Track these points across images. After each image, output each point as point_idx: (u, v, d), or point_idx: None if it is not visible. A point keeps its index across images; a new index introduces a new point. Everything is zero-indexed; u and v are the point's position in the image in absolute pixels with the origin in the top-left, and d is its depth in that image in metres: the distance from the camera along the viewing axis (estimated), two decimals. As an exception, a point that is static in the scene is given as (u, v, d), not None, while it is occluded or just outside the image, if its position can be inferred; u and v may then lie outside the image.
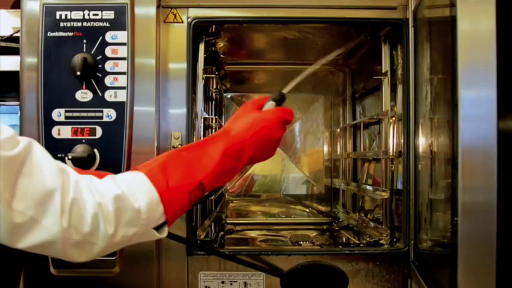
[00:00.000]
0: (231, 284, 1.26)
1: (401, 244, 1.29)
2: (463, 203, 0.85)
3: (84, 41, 1.18)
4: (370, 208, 1.75)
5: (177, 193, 0.84)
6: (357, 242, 1.61)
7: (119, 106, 1.18)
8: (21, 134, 1.21)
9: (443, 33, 1.01)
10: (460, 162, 0.85)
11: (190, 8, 1.27)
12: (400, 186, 1.35)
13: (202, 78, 1.39)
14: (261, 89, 2.10)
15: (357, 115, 1.97)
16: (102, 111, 1.18)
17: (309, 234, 1.82)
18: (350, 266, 1.26)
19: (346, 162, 2.01)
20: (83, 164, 1.15)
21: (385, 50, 1.44)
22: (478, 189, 0.85)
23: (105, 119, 1.18)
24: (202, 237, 1.36)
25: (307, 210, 2.13)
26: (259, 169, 2.11)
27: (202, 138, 1.40)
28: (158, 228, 0.84)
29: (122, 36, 1.18)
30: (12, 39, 1.69)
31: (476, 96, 0.86)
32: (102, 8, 1.19)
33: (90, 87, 1.18)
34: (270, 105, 1.03)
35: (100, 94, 1.18)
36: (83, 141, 1.17)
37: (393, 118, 1.39)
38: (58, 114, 1.18)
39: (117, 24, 1.18)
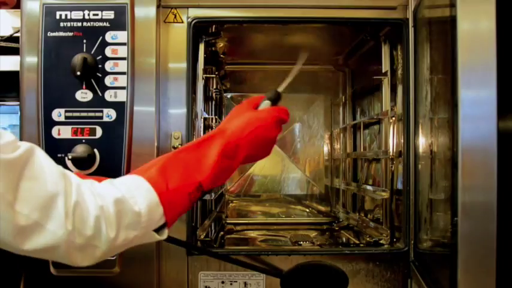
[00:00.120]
0: (231, 284, 1.26)
1: (401, 244, 1.29)
2: (463, 203, 0.85)
3: (84, 41, 1.18)
4: (370, 208, 1.75)
5: (177, 195, 0.84)
6: (357, 242, 1.61)
7: (119, 106, 1.18)
8: (21, 134, 1.21)
9: (443, 33, 1.01)
10: (460, 162, 0.85)
11: (190, 8, 1.27)
12: (400, 186, 1.35)
13: (202, 78, 1.39)
14: (261, 89, 2.09)
15: (357, 115, 1.97)
16: (102, 111, 1.18)
17: (309, 234, 1.82)
18: (350, 266, 1.26)
19: (346, 162, 2.01)
20: (82, 164, 1.15)
21: (385, 50, 1.44)
22: (478, 189, 0.85)
23: (105, 119, 1.18)
24: (202, 237, 1.36)
25: (307, 210, 2.13)
26: (259, 169, 2.11)
27: (202, 138, 1.40)
28: (158, 230, 0.84)
29: (121, 36, 1.19)
30: (12, 39, 1.69)
31: (476, 96, 0.86)
32: (102, 8, 1.19)
33: (90, 87, 1.18)
34: (265, 104, 1.03)
35: (100, 94, 1.18)
36: (83, 141, 1.17)
37: (393, 118, 1.39)
38: (58, 114, 1.18)
39: (117, 24, 1.18)
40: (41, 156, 0.73)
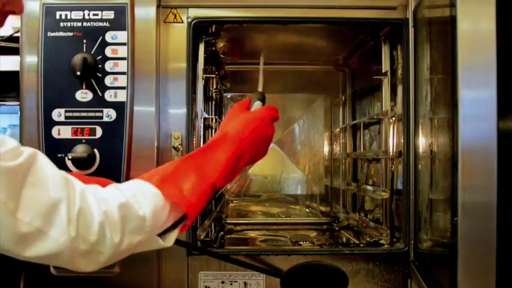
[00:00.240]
0: (231, 284, 1.26)
1: (401, 244, 1.29)
2: (463, 203, 0.85)
3: (84, 41, 1.18)
4: (370, 208, 1.75)
5: (196, 197, 0.85)
6: (357, 242, 1.61)
7: (119, 106, 1.18)
8: (21, 134, 1.21)
9: (443, 33, 1.01)
10: (460, 161, 0.85)
11: (190, 8, 1.27)
12: (400, 186, 1.35)
13: (202, 78, 1.39)
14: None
15: (356, 115, 1.97)
16: (102, 111, 1.18)
17: (309, 234, 1.82)
18: (350, 266, 1.26)
19: (346, 162, 2.01)
20: (83, 164, 1.15)
21: (385, 50, 1.44)
22: (478, 188, 0.85)
23: (105, 119, 1.18)
24: (202, 237, 1.36)
25: (307, 210, 2.13)
26: (259, 169, 2.11)
27: (202, 138, 1.40)
28: (162, 234, 0.85)
29: (121, 36, 1.19)
30: (12, 39, 1.69)
31: (476, 96, 0.86)
32: (102, 8, 1.19)
33: (90, 87, 1.18)
34: (257, 105, 1.08)
35: (100, 94, 1.18)
36: (83, 141, 1.17)
37: (393, 118, 1.39)
38: (58, 114, 1.18)
39: (117, 24, 1.19)
40: (43, 162, 0.72)
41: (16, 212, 0.67)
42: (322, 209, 2.13)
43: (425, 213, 1.18)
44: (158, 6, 1.24)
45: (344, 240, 1.73)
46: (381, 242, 1.39)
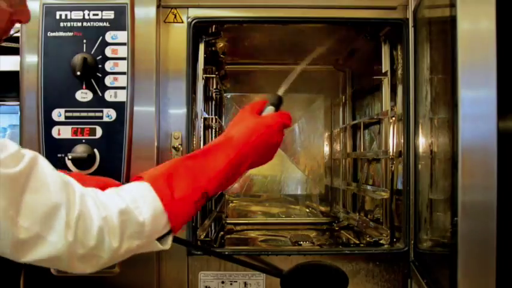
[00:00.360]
0: (231, 284, 1.26)
1: (401, 244, 1.29)
2: (463, 203, 0.85)
3: (84, 41, 1.18)
4: (370, 208, 1.75)
5: (183, 204, 0.84)
6: (357, 242, 1.61)
7: (119, 106, 1.18)
8: (21, 134, 1.21)
9: (443, 33, 1.01)
10: (460, 161, 0.85)
11: (190, 8, 1.27)
12: (400, 186, 1.35)
13: (202, 78, 1.39)
14: (261, 89, 2.10)
15: (356, 115, 1.97)
16: (102, 111, 1.18)
17: (309, 234, 1.82)
18: (350, 266, 1.26)
19: (346, 162, 2.01)
20: (83, 164, 1.15)
21: (385, 50, 1.44)
22: (478, 188, 0.85)
23: (105, 119, 1.18)
24: (202, 237, 1.36)
25: (307, 210, 2.13)
26: (259, 169, 2.10)
27: (202, 138, 1.40)
28: (161, 238, 0.84)
29: (121, 36, 1.19)
30: (12, 39, 1.69)
31: (476, 96, 0.86)
32: (102, 8, 1.19)
33: (90, 87, 1.18)
34: (269, 110, 1.02)
35: (100, 94, 1.18)
36: (83, 141, 1.17)
37: (393, 118, 1.39)
38: (58, 114, 1.18)
39: (117, 24, 1.19)
40: (44, 166, 0.72)
41: (16, 218, 0.67)
42: (322, 209, 2.13)
43: (425, 213, 1.18)
44: (158, 6, 1.24)
45: (344, 240, 1.73)
46: (381, 242, 1.40)
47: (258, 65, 2.05)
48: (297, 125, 2.13)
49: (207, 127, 1.56)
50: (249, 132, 0.95)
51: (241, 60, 1.99)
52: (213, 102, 1.90)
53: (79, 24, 1.18)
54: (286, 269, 1.21)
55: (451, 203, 0.89)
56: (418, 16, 1.24)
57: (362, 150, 1.85)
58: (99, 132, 1.17)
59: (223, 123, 2.03)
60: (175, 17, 1.26)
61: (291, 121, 1.03)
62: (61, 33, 1.18)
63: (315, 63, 2.05)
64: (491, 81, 0.84)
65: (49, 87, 1.18)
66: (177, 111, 1.25)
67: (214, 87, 1.84)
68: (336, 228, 1.90)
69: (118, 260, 0.80)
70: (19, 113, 1.22)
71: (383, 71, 1.45)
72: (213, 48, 1.62)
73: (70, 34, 1.18)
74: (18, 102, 1.23)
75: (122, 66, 1.18)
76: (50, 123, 1.17)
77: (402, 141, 1.30)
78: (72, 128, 1.17)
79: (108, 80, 1.18)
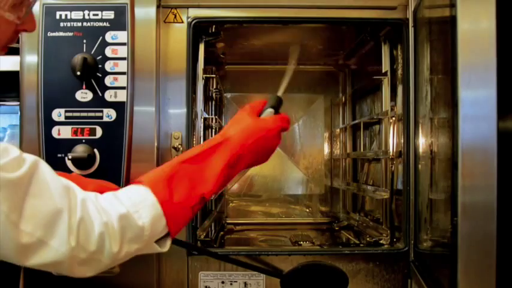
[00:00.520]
0: (231, 284, 1.26)
1: (401, 244, 1.29)
2: (463, 203, 0.85)
3: (84, 41, 1.18)
4: (370, 208, 1.75)
5: (181, 208, 0.85)
6: (357, 242, 1.61)
7: (119, 106, 1.18)
8: (21, 134, 1.21)
9: (443, 33, 1.01)
10: (460, 162, 0.85)
11: (190, 8, 1.27)
12: (400, 186, 1.35)
13: (202, 78, 1.39)
14: (261, 89, 2.10)
15: (356, 115, 1.97)
16: (102, 111, 1.18)
17: (309, 234, 1.82)
18: (350, 266, 1.26)
19: (346, 162, 2.01)
20: (82, 164, 1.15)
21: (385, 50, 1.44)
22: (478, 189, 0.85)
23: (105, 119, 1.18)
24: (202, 237, 1.36)
25: (307, 210, 2.13)
26: (259, 169, 2.11)
27: (202, 138, 1.40)
28: (159, 240, 0.85)
29: (122, 36, 1.18)
30: (12, 39, 1.68)
31: (476, 96, 0.86)
32: (102, 8, 1.19)
33: (90, 87, 1.18)
34: (268, 112, 1.02)
35: (100, 94, 1.18)
36: (83, 141, 1.17)
37: (393, 118, 1.39)
38: (58, 114, 1.18)
39: (117, 24, 1.18)
40: (45, 171, 0.73)
41: (19, 223, 0.67)
42: (322, 209, 2.13)
43: (425, 213, 1.18)
44: (158, 6, 1.24)
45: (344, 240, 1.73)
46: (381, 242, 1.39)
47: (258, 65, 2.05)
48: (297, 125, 2.13)
49: (207, 127, 1.56)
50: (248, 134, 0.95)
51: (241, 60, 1.99)
52: (213, 102, 1.90)
53: (79, 24, 1.18)
54: (286, 269, 1.21)
55: (451, 203, 0.89)
56: (418, 16, 1.24)
57: (362, 150, 1.85)
58: (99, 132, 1.17)
59: (223, 123, 2.03)
60: (175, 17, 1.26)
61: (289, 124, 1.03)
62: (61, 33, 1.18)
63: (315, 63, 2.05)
64: (491, 81, 0.84)
65: (49, 87, 1.18)
66: (177, 111, 1.25)
67: (214, 87, 1.84)
68: (336, 228, 1.90)
69: (117, 263, 0.80)
70: (19, 113, 1.22)
71: (383, 71, 1.45)
72: (213, 48, 1.62)
73: (70, 34, 1.18)
74: (18, 102, 1.23)
75: (122, 66, 1.18)
76: (50, 123, 1.17)
77: (402, 141, 1.30)
78: (72, 128, 1.17)
79: (108, 80, 1.18)
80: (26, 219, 0.68)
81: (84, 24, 1.18)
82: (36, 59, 1.18)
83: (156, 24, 1.22)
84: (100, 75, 1.18)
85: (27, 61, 1.21)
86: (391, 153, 1.39)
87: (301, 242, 1.61)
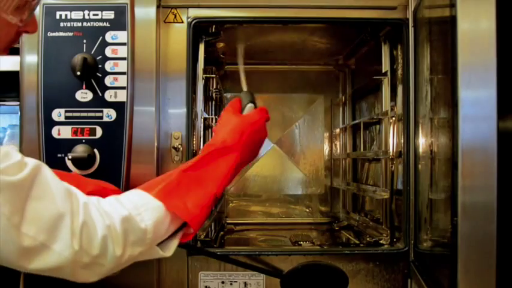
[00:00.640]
0: (231, 284, 1.26)
1: (401, 244, 1.29)
2: (463, 203, 0.85)
3: (84, 41, 1.18)
4: (370, 208, 1.75)
5: (200, 211, 0.87)
6: (357, 242, 1.61)
7: (119, 106, 1.18)
8: (21, 134, 1.21)
9: (443, 33, 1.01)
10: (460, 162, 0.85)
11: (190, 8, 1.27)
12: (400, 186, 1.35)
13: (202, 78, 1.39)
14: (261, 89, 2.10)
15: (356, 115, 1.97)
16: (102, 111, 1.18)
17: (309, 234, 1.82)
18: (350, 266, 1.26)
19: (346, 162, 2.01)
20: (83, 164, 1.15)
21: (385, 50, 1.44)
22: (478, 189, 0.85)
23: (105, 119, 1.18)
24: (202, 237, 1.36)
25: (307, 210, 2.13)
26: (259, 169, 2.11)
27: (202, 138, 1.40)
28: (161, 243, 0.86)
29: (122, 36, 1.19)
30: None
31: (476, 96, 0.86)
32: (102, 8, 1.19)
33: (90, 87, 1.18)
34: (249, 107, 1.07)
35: (100, 94, 1.18)
36: (83, 141, 1.17)
37: (393, 118, 1.39)
38: (58, 114, 1.18)
39: (117, 24, 1.19)
40: (47, 175, 0.73)
41: (20, 226, 0.67)
42: (322, 209, 2.12)
43: (425, 213, 1.18)
44: (158, 6, 1.24)
45: (344, 240, 1.73)
46: (381, 242, 1.40)
47: (258, 65, 2.05)
48: (297, 125, 2.13)
49: (207, 127, 1.56)
50: (240, 131, 0.98)
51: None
52: (213, 102, 1.90)
53: (79, 24, 1.18)
54: (286, 269, 1.21)
55: (451, 203, 0.89)
56: (418, 16, 1.24)
57: (362, 150, 1.85)
58: (99, 132, 1.17)
59: (223, 123, 2.03)
60: (175, 17, 1.26)
61: (268, 114, 1.08)
62: (61, 33, 1.18)
63: (315, 63, 2.05)
64: (491, 81, 0.84)
65: (49, 87, 1.18)
66: (177, 111, 1.25)
67: (214, 87, 1.84)
68: (336, 228, 1.90)
69: (121, 267, 0.80)
70: (19, 113, 1.22)
71: (383, 71, 1.45)
72: (213, 48, 1.62)
73: (70, 34, 1.18)
74: (18, 102, 1.23)
75: (122, 66, 1.18)
76: (50, 123, 1.17)
77: (402, 141, 1.30)
78: (72, 128, 1.17)
79: (108, 80, 1.18)
80: (28, 222, 0.68)
81: (84, 24, 1.18)
82: (36, 59, 1.18)
83: (156, 24, 1.22)
84: (100, 75, 1.18)
85: (27, 61, 1.21)
86: (391, 153, 1.39)
87: (301, 242, 1.60)
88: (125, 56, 1.18)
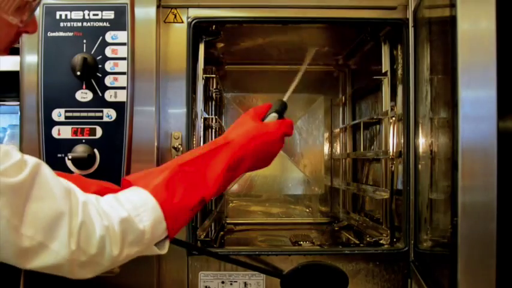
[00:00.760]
0: (231, 284, 1.26)
1: (401, 244, 1.29)
2: (463, 203, 0.85)
3: (84, 41, 1.18)
4: (370, 208, 1.75)
5: (180, 210, 0.85)
6: (357, 242, 1.61)
7: (118, 106, 1.18)
8: (21, 134, 1.21)
9: (443, 33, 1.01)
10: (460, 162, 0.85)
11: (190, 8, 1.27)
12: (400, 186, 1.35)
13: (202, 78, 1.39)
14: (261, 89, 2.10)
15: (356, 115, 1.97)
16: (102, 111, 1.18)
17: (309, 234, 1.82)
18: (350, 266, 1.26)
19: (346, 162, 2.01)
20: (83, 164, 1.15)
21: (385, 50, 1.44)
22: (477, 189, 0.85)
23: (105, 119, 1.18)
24: (202, 237, 1.36)
25: (307, 210, 2.13)
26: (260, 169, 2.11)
27: (202, 138, 1.40)
28: (158, 243, 0.85)
29: (122, 36, 1.19)
30: (12, 39, 1.68)
31: (476, 96, 0.86)
32: (102, 8, 1.19)
33: (90, 87, 1.18)
34: (272, 117, 1.02)
35: (100, 94, 1.18)
36: (83, 141, 1.17)
37: (393, 118, 1.39)
38: (58, 114, 1.18)
39: (117, 24, 1.19)
40: (47, 174, 0.73)
41: (20, 227, 0.67)
42: (322, 209, 2.13)
43: (425, 213, 1.18)
44: (158, 6, 1.24)
45: (344, 240, 1.73)
46: (381, 242, 1.39)
47: (258, 65, 2.05)
48: (297, 125, 2.13)
49: (207, 127, 1.56)
50: (249, 137, 0.95)
51: (241, 60, 1.99)
52: (213, 102, 1.90)
53: (79, 24, 1.18)
54: (286, 269, 1.21)
55: (451, 203, 0.89)
56: (418, 16, 1.24)
57: (362, 150, 1.85)
58: (99, 132, 1.17)
59: (223, 124, 2.03)
60: (175, 17, 1.26)
61: (293, 130, 1.03)
62: (61, 33, 1.18)
63: (315, 63, 2.05)
64: (491, 81, 0.84)
65: (49, 87, 1.18)
66: (177, 111, 1.25)
67: (214, 87, 1.84)
68: (336, 228, 1.90)
69: (117, 265, 0.80)
70: (19, 113, 1.22)
71: (383, 71, 1.45)
72: (213, 48, 1.62)
73: (70, 34, 1.18)
74: (18, 102, 1.23)
75: (122, 66, 1.18)
76: (50, 123, 1.17)
77: (402, 141, 1.30)
78: (72, 128, 1.17)
79: (108, 80, 1.18)
80: (27, 223, 0.68)
81: (84, 24, 1.18)
82: (36, 59, 1.18)
83: (156, 24, 1.22)
84: (100, 75, 1.18)
85: (27, 61, 1.21)
86: (391, 153, 1.39)
87: (301, 242, 1.60)
88: (125, 56, 1.18)
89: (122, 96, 1.18)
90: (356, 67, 1.97)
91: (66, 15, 1.18)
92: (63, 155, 1.16)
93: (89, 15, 1.18)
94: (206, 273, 1.26)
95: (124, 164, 1.17)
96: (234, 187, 2.12)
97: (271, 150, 0.99)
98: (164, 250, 0.86)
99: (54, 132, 1.17)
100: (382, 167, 1.49)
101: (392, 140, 1.39)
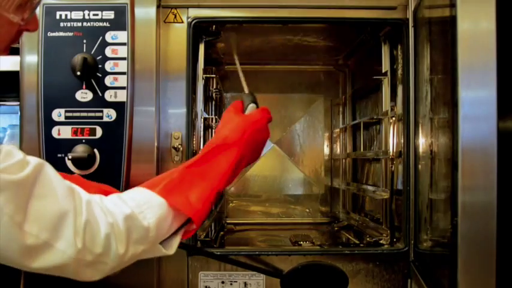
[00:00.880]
0: (231, 284, 1.26)
1: (401, 244, 1.29)
2: (463, 203, 0.85)
3: (84, 41, 1.18)
4: (370, 208, 1.75)
5: (203, 205, 0.86)
6: (357, 242, 1.61)
7: (118, 106, 1.18)
8: (21, 134, 1.21)
9: (443, 33, 1.01)
10: (460, 162, 0.85)
11: (190, 8, 1.27)
12: (400, 186, 1.35)
13: (202, 78, 1.39)
14: (261, 89, 2.10)
15: (356, 115, 1.97)
16: (102, 111, 1.18)
17: (309, 234, 1.82)
18: (350, 266, 1.26)
19: (346, 162, 2.01)
20: (83, 164, 1.15)
21: (385, 50, 1.44)
22: (477, 189, 0.85)
23: (105, 119, 1.18)
24: (202, 237, 1.36)
25: (307, 210, 2.13)
26: (259, 169, 2.11)
27: (202, 138, 1.40)
28: (164, 241, 0.85)
29: (122, 36, 1.19)
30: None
31: (476, 96, 0.86)
32: (102, 8, 1.19)
33: (90, 87, 1.18)
34: (251, 107, 1.07)
35: (100, 94, 1.18)
36: (83, 141, 1.17)
37: (393, 118, 1.39)
38: (58, 114, 1.18)
39: (117, 24, 1.19)
40: (50, 173, 0.72)
41: (23, 224, 0.67)
42: (322, 209, 2.13)
43: (425, 213, 1.18)
44: (158, 6, 1.24)
45: (344, 240, 1.73)
46: (381, 242, 1.39)
47: (258, 65, 2.05)
48: (297, 125, 2.13)
49: (207, 127, 1.56)
50: (242, 129, 0.98)
51: (242, 60, 1.98)
52: (213, 102, 1.90)
53: (79, 24, 1.18)
54: (286, 269, 1.21)
55: (451, 203, 0.89)
56: (418, 16, 1.24)
57: (362, 150, 1.85)
58: (99, 132, 1.17)
59: (223, 123, 2.02)
60: (175, 17, 1.26)
61: (271, 114, 1.08)
62: (61, 33, 1.18)
63: (315, 63, 2.05)
64: (491, 81, 0.84)
65: (49, 87, 1.18)
66: (177, 111, 1.25)
67: (214, 87, 1.84)
68: (336, 229, 1.90)
69: (123, 265, 0.80)
70: (19, 113, 1.22)
71: (383, 71, 1.45)
72: (213, 48, 1.62)
73: (70, 34, 1.18)
74: (18, 102, 1.23)
75: (122, 66, 1.18)
76: (50, 123, 1.17)
77: (402, 141, 1.30)
78: (72, 128, 1.17)
79: (108, 80, 1.18)
80: (31, 221, 0.67)
81: (84, 24, 1.18)
82: (36, 59, 1.18)
83: (156, 24, 1.22)
84: (100, 75, 1.18)
85: (27, 61, 1.21)
86: (391, 153, 1.39)
87: (301, 242, 1.60)
88: (125, 56, 1.18)
89: (122, 96, 1.18)
90: (356, 67, 1.97)
91: (66, 15, 1.18)
92: (63, 155, 1.16)
93: (89, 15, 1.18)
94: (206, 273, 1.26)
95: (124, 164, 1.17)
96: (234, 187, 2.12)
97: (262, 137, 1.02)
98: (172, 250, 0.86)
99: (54, 132, 1.17)
100: (382, 167, 1.49)
101: (392, 140, 1.39)
